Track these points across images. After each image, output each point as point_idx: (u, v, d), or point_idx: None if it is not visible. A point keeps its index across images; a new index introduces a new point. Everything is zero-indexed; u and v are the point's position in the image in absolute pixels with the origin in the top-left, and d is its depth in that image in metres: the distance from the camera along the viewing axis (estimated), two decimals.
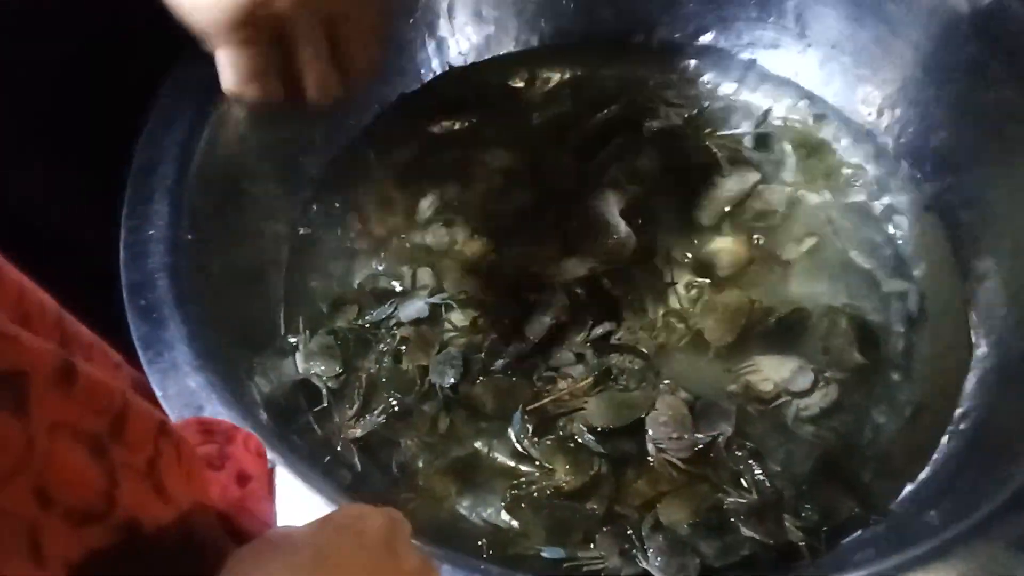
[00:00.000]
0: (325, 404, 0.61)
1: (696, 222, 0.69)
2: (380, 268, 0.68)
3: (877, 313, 0.65)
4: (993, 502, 0.48)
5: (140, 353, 0.50)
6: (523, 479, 0.59)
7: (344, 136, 0.74)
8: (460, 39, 0.78)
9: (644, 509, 0.57)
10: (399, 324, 0.65)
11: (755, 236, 0.69)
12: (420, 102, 0.77)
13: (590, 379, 0.61)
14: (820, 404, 0.61)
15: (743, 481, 0.57)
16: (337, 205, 0.71)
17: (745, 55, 0.78)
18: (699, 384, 0.61)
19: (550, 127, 0.76)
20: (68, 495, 0.26)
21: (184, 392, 0.49)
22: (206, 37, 0.49)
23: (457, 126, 0.76)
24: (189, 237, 0.57)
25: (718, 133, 0.75)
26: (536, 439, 0.59)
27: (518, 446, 0.59)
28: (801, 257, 0.68)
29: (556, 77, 0.79)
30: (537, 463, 0.59)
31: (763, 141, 0.74)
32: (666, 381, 0.61)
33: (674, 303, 0.65)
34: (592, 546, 0.56)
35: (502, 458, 0.60)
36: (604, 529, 0.56)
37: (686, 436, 0.58)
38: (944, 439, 0.60)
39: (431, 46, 0.78)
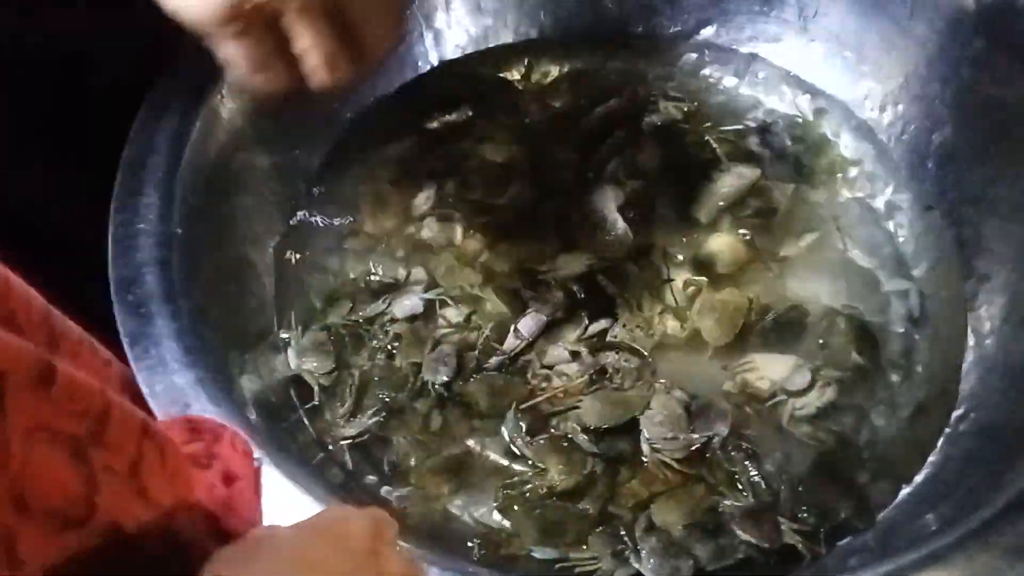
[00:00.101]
0: (317, 401, 0.61)
1: (695, 218, 0.69)
2: (375, 263, 0.67)
3: (877, 312, 0.64)
4: (993, 506, 0.47)
5: (127, 349, 0.49)
6: (516, 478, 0.58)
7: (339, 129, 0.73)
8: (458, 31, 0.78)
9: (638, 510, 0.56)
10: (393, 320, 0.64)
11: (754, 233, 0.68)
12: (416, 95, 0.76)
13: (585, 377, 0.60)
14: (817, 403, 0.60)
15: (739, 482, 0.57)
16: (331, 199, 0.70)
17: (746, 49, 0.77)
18: (695, 383, 0.61)
19: (548, 121, 0.75)
20: (46, 501, 0.25)
21: (171, 389, 0.48)
22: (200, 33, 0.49)
23: (454, 119, 0.75)
24: (179, 231, 0.56)
25: (719, 128, 0.74)
26: (529, 438, 0.59)
27: (511, 445, 0.59)
28: (800, 254, 0.67)
29: (555, 70, 0.79)
30: (530, 462, 0.58)
31: (764, 136, 0.73)
32: (662, 380, 0.61)
33: (671, 301, 0.65)
34: (585, 547, 0.55)
35: (495, 457, 0.59)
36: (597, 530, 0.56)
37: (681, 436, 0.58)
38: (943, 441, 0.59)
39: (428, 38, 0.77)
